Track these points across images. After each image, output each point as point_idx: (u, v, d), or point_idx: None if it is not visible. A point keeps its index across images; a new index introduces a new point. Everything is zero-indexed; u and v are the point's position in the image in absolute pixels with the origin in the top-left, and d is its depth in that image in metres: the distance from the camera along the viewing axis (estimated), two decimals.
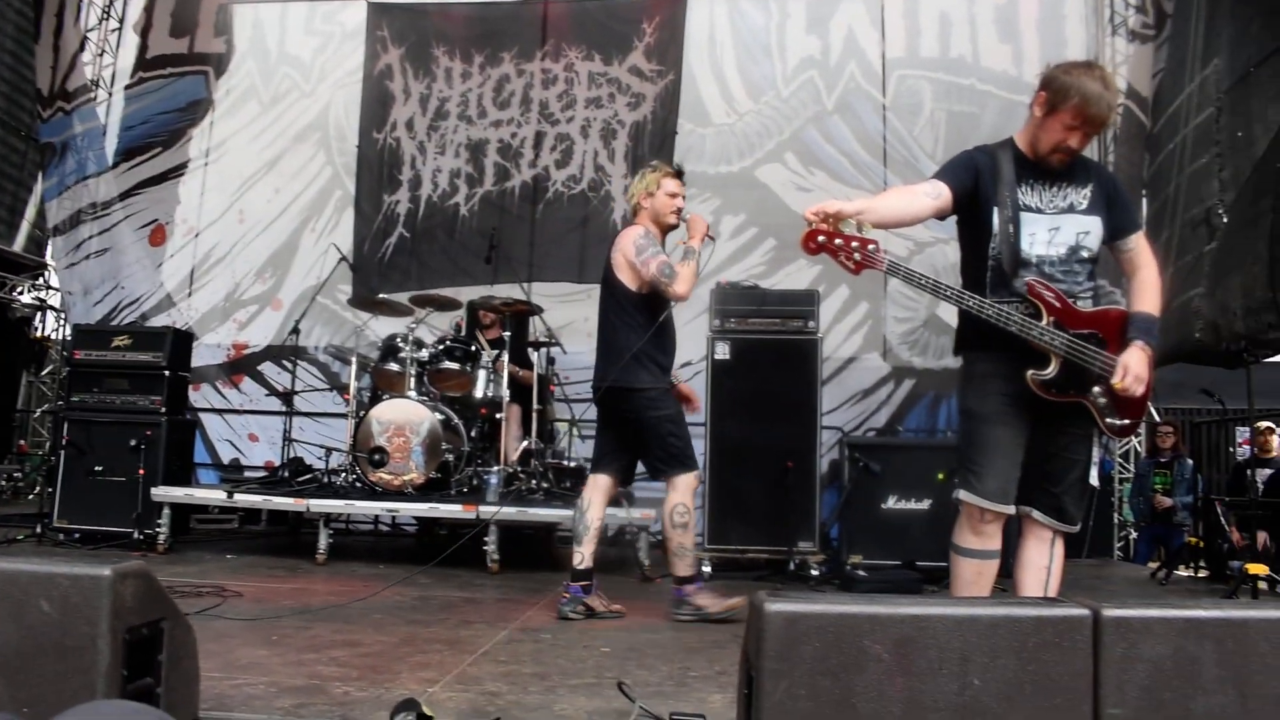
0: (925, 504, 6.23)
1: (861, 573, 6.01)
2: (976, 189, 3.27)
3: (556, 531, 7.76)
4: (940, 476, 6.11)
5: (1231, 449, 9.91)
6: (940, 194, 3.27)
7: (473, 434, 6.72)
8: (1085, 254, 3.25)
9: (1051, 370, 3.13)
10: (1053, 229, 3.23)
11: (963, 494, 3.26)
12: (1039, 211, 3.24)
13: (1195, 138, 7.59)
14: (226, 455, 9.38)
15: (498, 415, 6.71)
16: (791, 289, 7.25)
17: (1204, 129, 7.43)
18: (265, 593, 4.87)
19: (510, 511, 6.07)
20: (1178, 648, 2.10)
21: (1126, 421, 3.23)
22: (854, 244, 3.09)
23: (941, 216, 3.34)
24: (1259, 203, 6.47)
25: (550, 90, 9.50)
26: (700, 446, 6.90)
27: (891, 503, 6.27)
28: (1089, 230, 3.24)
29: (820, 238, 3.10)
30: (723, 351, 6.37)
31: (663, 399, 4.73)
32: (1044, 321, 3.12)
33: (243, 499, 6.51)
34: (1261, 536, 7.55)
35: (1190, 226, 7.57)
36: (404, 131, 9.65)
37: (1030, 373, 3.14)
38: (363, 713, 2.80)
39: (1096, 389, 3.17)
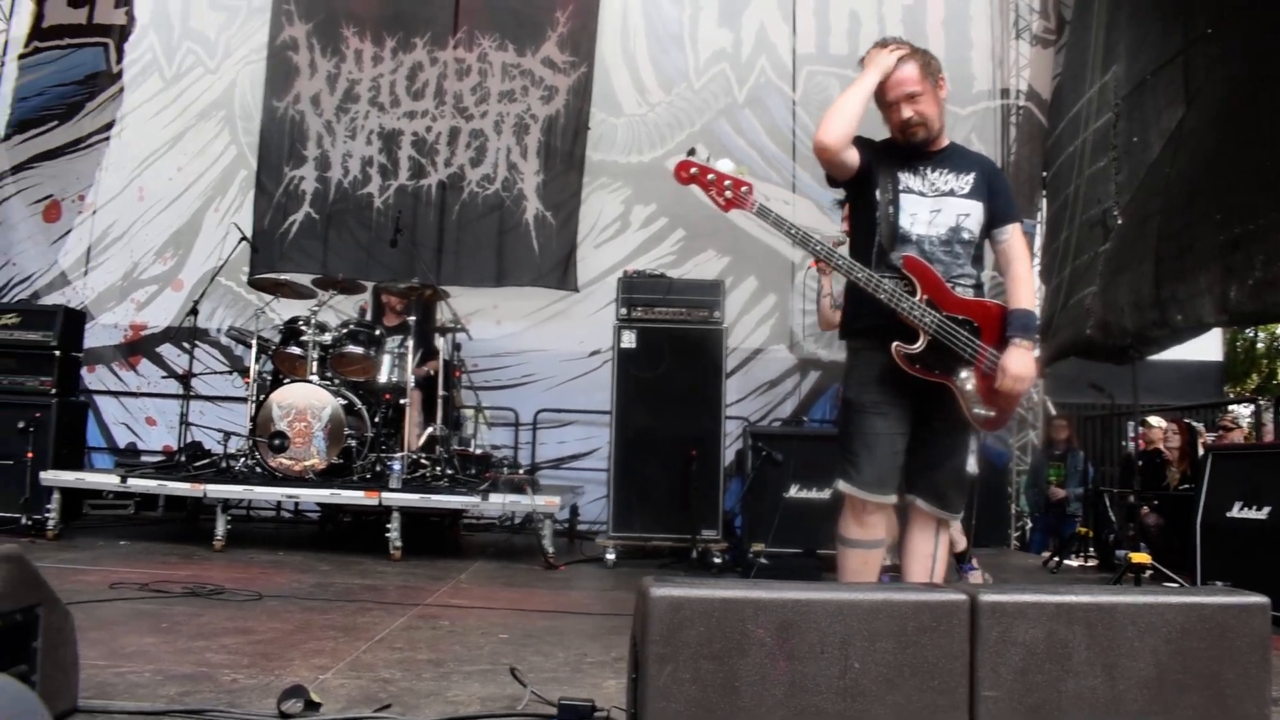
0: (827, 493, 6.32)
1: (763, 561, 6.10)
2: (869, 168, 3.35)
3: (461, 518, 7.74)
4: None
5: (1124, 442, 10.26)
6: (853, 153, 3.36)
7: (376, 419, 6.64)
8: (966, 235, 3.34)
9: (918, 346, 3.19)
10: (934, 210, 3.31)
11: (842, 484, 3.33)
12: (920, 194, 3.32)
13: (1094, 141, 7.84)
14: (123, 439, 9.13)
15: (402, 401, 6.64)
16: (698, 279, 7.31)
17: (1102, 133, 7.68)
18: (158, 580, 4.75)
19: (413, 498, 6.02)
20: (1050, 631, 2.17)
21: (993, 414, 3.28)
22: (726, 182, 3.14)
23: (840, 174, 3.38)
24: (1149, 205, 6.72)
25: (464, 82, 9.39)
26: (605, 435, 6.97)
27: (794, 492, 6.36)
28: (969, 213, 3.33)
29: (693, 169, 3.16)
30: (629, 340, 6.40)
31: None
32: (917, 297, 3.19)
33: (137, 484, 6.33)
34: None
35: (1088, 227, 7.82)
36: (309, 106, 9.44)
37: (896, 344, 3.19)
38: (250, 700, 2.76)
39: (964, 374, 3.24)
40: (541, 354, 8.88)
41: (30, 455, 6.29)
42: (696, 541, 6.29)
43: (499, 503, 6.12)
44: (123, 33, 9.97)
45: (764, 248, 8.94)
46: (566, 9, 9.42)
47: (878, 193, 3.31)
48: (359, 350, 6.63)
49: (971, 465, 3.38)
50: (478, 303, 8.53)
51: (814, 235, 3.26)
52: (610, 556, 6.25)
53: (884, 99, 3.34)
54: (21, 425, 6.31)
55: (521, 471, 7.08)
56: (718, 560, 6.24)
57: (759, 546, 6.22)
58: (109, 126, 9.83)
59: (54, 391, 6.57)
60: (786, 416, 8.79)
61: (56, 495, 6.22)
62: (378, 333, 6.82)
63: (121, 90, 9.92)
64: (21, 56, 10.14)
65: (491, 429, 8.16)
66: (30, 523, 6.24)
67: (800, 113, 9.40)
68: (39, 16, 10.15)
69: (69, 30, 10.07)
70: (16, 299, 9.35)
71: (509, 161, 9.20)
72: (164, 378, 9.22)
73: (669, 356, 6.39)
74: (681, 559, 6.35)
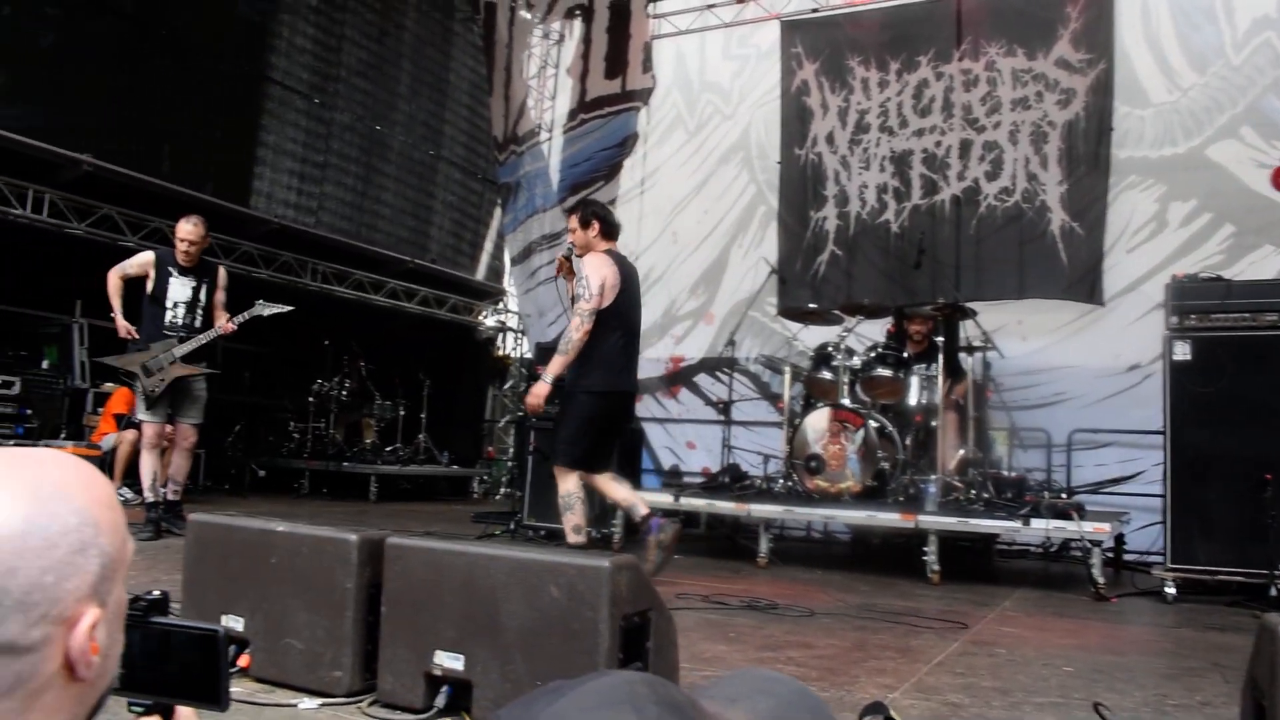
0: None
1: None
2: None
3: (995, 544, 7.50)
4: None
5: None
6: None
7: (907, 441, 6.67)
8: None
9: None
10: None
11: None
12: None
13: None
14: (667, 462, 10.00)
15: (933, 423, 6.60)
16: (1261, 279, 6.48)
17: None
18: (716, 592, 5.13)
19: (950, 521, 5.95)
20: None
21: None
22: None
23: None
24: None
25: (972, 93, 9.15)
26: (1150, 457, 6.38)
27: None
28: None
29: None
30: (1182, 352, 5.81)
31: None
32: None
33: (687, 502, 6.91)
34: None
35: None
36: (825, 146, 9.75)
37: None
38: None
39: None
40: (1073, 370, 8.30)
41: None
42: (1275, 577, 5.54)
43: (1041, 528, 5.85)
44: (648, 95, 11.03)
45: None
46: (1078, 3, 8.85)
47: None
48: (888, 373, 6.73)
49: None
50: (1001, 319, 8.20)
51: None
52: (1169, 590, 5.70)
53: None
54: None
55: (1063, 496, 6.71)
56: None
57: None
58: (643, 180, 10.90)
59: None
60: None
61: (620, 512, 6.95)
62: (905, 355, 6.87)
63: (649, 147, 10.97)
64: (567, 130, 11.60)
65: (1027, 450, 7.82)
66: (599, 536, 7.00)
67: None
68: (582, 93, 11.55)
69: (607, 100, 11.34)
70: None
71: (1028, 172, 8.80)
72: (704, 405, 9.97)
73: (1232, 368, 5.71)
74: (1256, 596, 5.62)
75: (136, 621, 1.00)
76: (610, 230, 5.55)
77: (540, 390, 5.29)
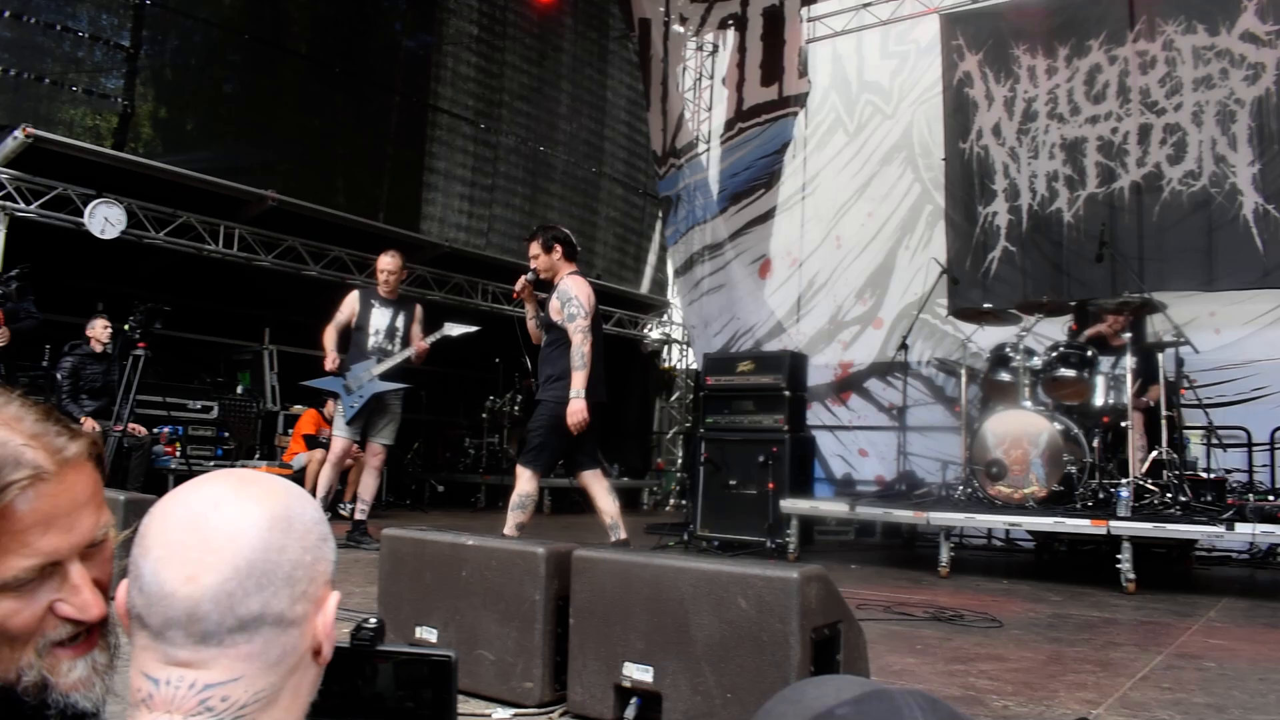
0: None
1: None
2: None
3: (1192, 550, 7.09)
4: None
5: None
6: None
7: (1094, 444, 6.37)
8: None
9: None
10: None
11: None
12: None
13: None
14: (838, 470, 9.83)
15: (1122, 424, 6.27)
16: None
17: None
18: (897, 602, 5.02)
19: (1145, 527, 5.64)
20: None
21: None
22: None
23: None
24: None
25: (1150, 75, 8.69)
26: None
27: None
28: None
29: None
30: None
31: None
32: None
33: (864, 511, 6.78)
34: None
35: None
36: (991, 139, 9.43)
37: None
38: None
39: None
40: (1273, 364, 7.73)
41: (771, 486, 7.04)
42: None
43: (1246, 533, 5.48)
44: (805, 99, 10.92)
45: None
46: None
47: None
48: (1071, 373, 6.43)
49: None
50: (1191, 311, 7.73)
51: None
52: None
53: None
54: (761, 459, 7.11)
55: (1270, 498, 6.26)
56: None
57: None
58: (804, 186, 10.80)
59: (786, 428, 7.30)
60: None
61: (794, 521, 6.89)
62: (1089, 353, 6.57)
63: (809, 151, 10.86)
64: (724, 140, 11.61)
65: (1226, 451, 7.34)
66: (773, 546, 6.96)
67: None
68: (739, 101, 11.54)
69: (764, 108, 11.30)
70: (741, 348, 10.61)
71: (1215, 154, 8.28)
72: (877, 411, 9.76)
73: None
74: None
75: (366, 651, 1.04)
76: (573, 252, 5.79)
77: (578, 407, 5.40)
